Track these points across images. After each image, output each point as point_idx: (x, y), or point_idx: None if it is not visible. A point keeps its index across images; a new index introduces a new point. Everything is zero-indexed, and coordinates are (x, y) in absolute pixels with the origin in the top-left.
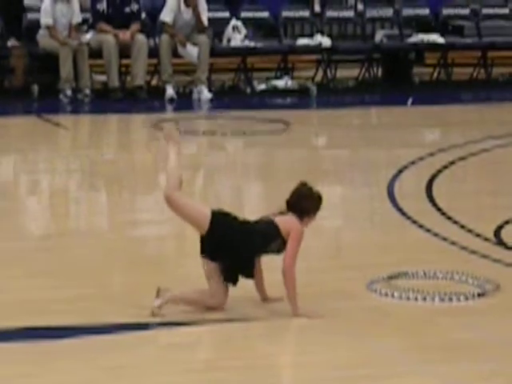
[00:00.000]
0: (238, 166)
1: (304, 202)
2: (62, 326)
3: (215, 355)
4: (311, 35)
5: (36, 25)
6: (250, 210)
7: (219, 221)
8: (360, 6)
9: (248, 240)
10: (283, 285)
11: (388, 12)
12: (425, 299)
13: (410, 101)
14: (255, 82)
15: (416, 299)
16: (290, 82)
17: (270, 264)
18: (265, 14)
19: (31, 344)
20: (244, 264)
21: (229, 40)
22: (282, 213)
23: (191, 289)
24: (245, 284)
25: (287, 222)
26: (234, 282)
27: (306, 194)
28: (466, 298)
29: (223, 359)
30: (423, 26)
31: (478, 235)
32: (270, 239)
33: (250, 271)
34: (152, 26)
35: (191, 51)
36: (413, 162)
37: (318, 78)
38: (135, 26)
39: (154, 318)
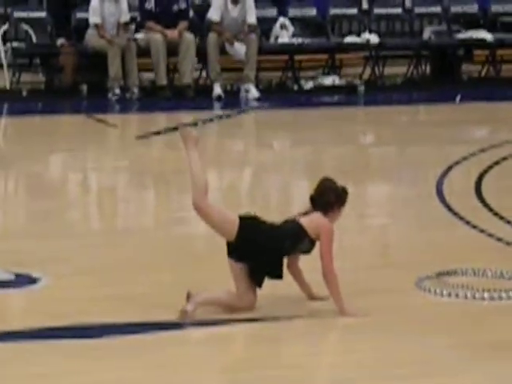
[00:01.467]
0: (284, 163)
1: (327, 196)
2: (110, 323)
3: (257, 353)
4: (359, 32)
5: (85, 24)
6: (297, 208)
7: (248, 226)
8: (408, 3)
9: (277, 242)
10: (325, 285)
11: (436, 9)
12: (474, 297)
13: (458, 98)
14: (303, 80)
15: (465, 297)
16: (337, 80)
17: (311, 264)
18: (312, 12)
19: (77, 342)
20: (272, 266)
21: (276, 38)
22: (306, 213)
23: (220, 290)
24: (288, 283)
25: (313, 221)
26: (260, 283)
27: (328, 187)
28: None
29: (266, 357)
30: (472, 22)
31: None
32: (297, 240)
33: (278, 272)
34: (200, 25)
35: (239, 49)
36: (462, 160)
37: (366, 75)
38: (183, 25)
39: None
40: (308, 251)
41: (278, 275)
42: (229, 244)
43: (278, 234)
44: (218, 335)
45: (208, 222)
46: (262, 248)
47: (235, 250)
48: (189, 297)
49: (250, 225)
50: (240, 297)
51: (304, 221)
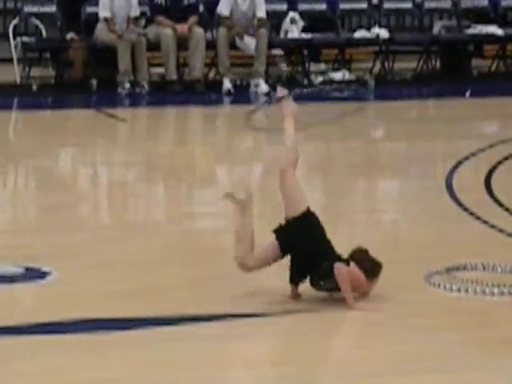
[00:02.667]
0: None
1: (360, 266)
2: (119, 318)
3: (269, 349)
4: (369, 27)
5: (94, 18)
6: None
7: (309, 218)
8: None
9: (317, 257)
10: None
11: (446, 3)
12: (484, 292)
13: (468, 93)
14: (312, 75)
15: (475, 292)
16: (347, 75)
17: None
18: (322, 7)
19: (89, 336)
20: (297, 270)
21: (286, 32)
22: None
23: (260, 244)
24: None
25: (355, 269)
26: (291, 279)
27: (360, 258)
28: None
29: (276, 353)
30: (482, 17)
31: None
32: (331, 274)
33: (293, 279)
34: (210, 19)
35: (249, 43)
36: (471, 155)
37: (376, 70)
38: (193, 19)
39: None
40: (329, 289)
41: (294, 282)
42: (282, 224)
43: (325, 249)
44: (228, 330)
45: (282, 190)
46: (303, 247)
47: (283, 232)
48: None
49: (311, 218)
50: (255, 260)
51: (352, 264)
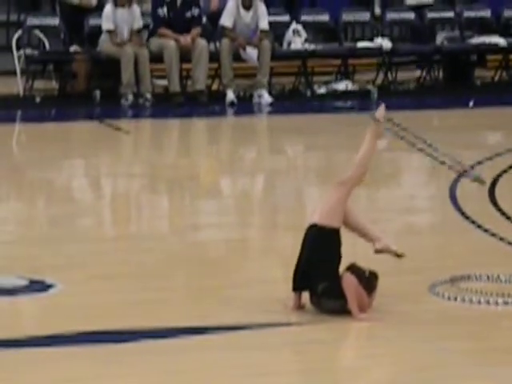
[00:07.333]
0: (297, 168)
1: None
2: (125, 329)
3: (274, 359)
4: (371, 38)
5: (98, 30)
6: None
7: (334, 236)
8: None
9: (320, 273)
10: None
11: (449, 14)
12: (488, 302)
13: (471, 103)
14: (315, 86)
15: (479, 302)
16: (350, 85)
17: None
18: (325, 18)
19: (95, 348)
20: (300, 277)
21: (289, 43)
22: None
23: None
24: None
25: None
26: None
27: (356, 274)
28: None
29: (281, 363)
30: (484, 27)
31: None
32: (330, 294)
33: (296, 287)
34: (212, 31)
35: (252, 54)
36: (475, 165)
37: (379, 80)
38: (196, 31)
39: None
40: (327, 309)
41: (293, 286)
42: (311, 224)
43: (331, 270)
44: (234, 341)
45: (327, 198)
46: (313, 255)
47: (309, 231)
48: None
49: (336, 237)
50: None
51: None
